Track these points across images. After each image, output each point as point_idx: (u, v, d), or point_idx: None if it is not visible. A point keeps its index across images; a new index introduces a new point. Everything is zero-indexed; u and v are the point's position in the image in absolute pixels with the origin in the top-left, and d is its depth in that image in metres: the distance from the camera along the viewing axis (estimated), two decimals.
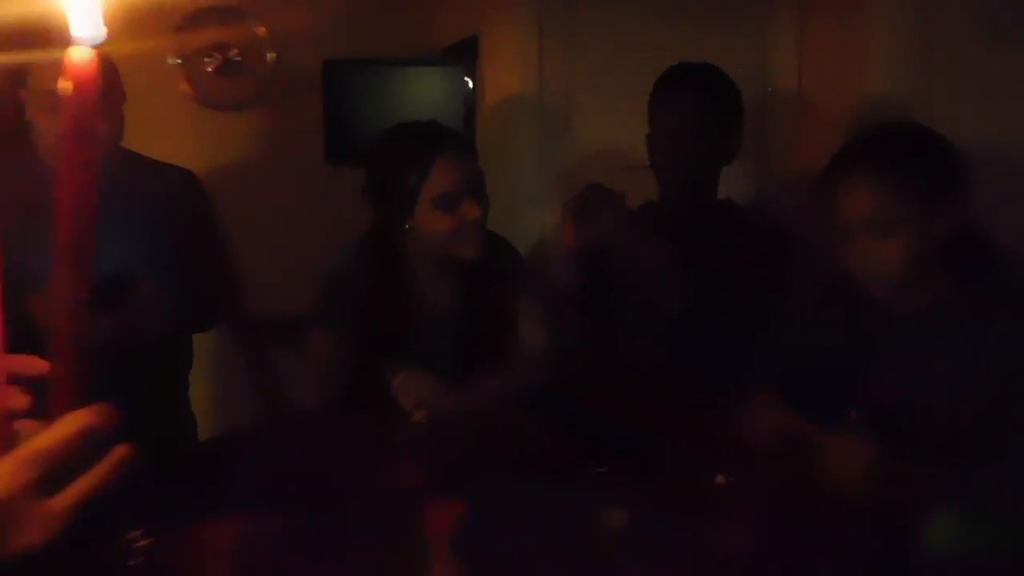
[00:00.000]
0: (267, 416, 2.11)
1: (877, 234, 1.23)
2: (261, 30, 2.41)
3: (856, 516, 1.12)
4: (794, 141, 2.03)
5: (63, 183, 0.43)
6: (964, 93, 1.59)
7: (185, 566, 0.98)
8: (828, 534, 1.10)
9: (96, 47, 0.44)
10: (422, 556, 0.97)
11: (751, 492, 1.19)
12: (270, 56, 2.43)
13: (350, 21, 2.39)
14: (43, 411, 0.53)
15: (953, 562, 1.03)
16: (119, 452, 0.45)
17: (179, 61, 2.40)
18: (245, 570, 1.08)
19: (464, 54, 2.51)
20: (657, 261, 1.66)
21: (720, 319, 1.58)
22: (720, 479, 1.24)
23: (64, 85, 0.44)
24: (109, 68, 1.70)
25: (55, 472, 0.42)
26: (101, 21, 0.43)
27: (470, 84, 2.47)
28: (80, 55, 0.43)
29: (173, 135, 2.25)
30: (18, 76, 1.69)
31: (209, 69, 2.41)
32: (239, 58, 2.42)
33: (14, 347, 1.27)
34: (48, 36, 1.50)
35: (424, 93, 2.40)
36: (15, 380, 0.52)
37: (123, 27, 1.58)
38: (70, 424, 0.43)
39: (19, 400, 0.51)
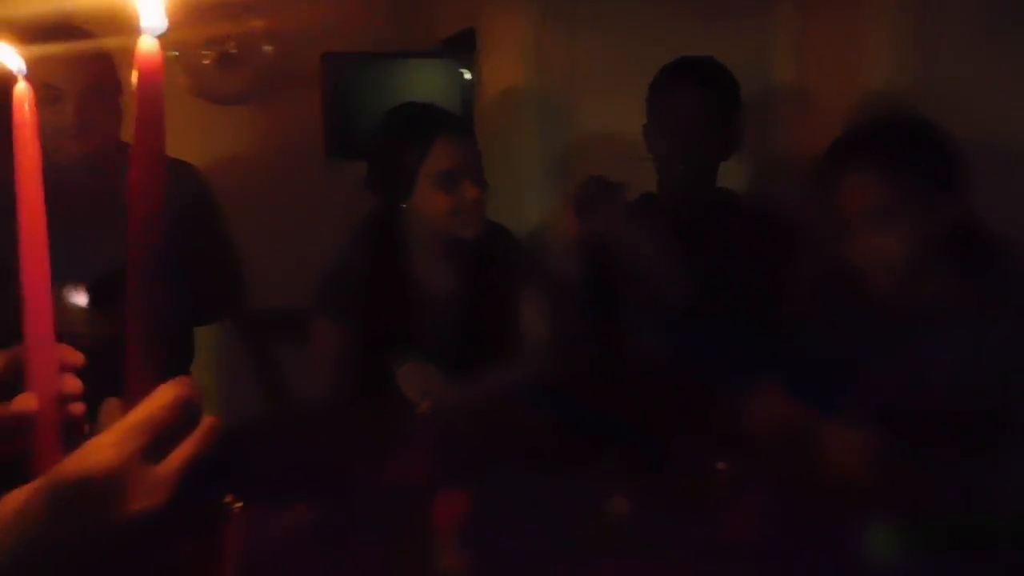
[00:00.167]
0: (270, 409, 2.11)
1: (877, 226, 1.24)
2: (259, 23, 2.40)
3: (858, 505, 1.13)
4: (794, 134, 2.04)
5: (134, 169, 0.45)
6: (962, 86, 1.59)
7: (192, 558, 0.99)
8: (830, 522, 1.12)
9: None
10: (428, 546, 0.98)
11: (753, 480, 1.20)
12: (268, 49, 2.43)
13: (348, 14, 2.39)
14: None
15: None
16: (209, 421, 0.46)
17: (176, 54, 2.39)
18: (251, 562, 1.09)
19: (463, 46, 2.51)
20: (659, 253, 1.67)
21: (723, 310, 1.59)
22: (721, 465, 1.25)
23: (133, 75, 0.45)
24: (106, 61, 1.70)
25: (159, 440, 0.44)
26: (165, 13, 0.45)
27: (468, 76, 2.47)
28: (147, 45, 0.45)
29: (171, 128, 2.23)
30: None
31: (207, 62, 2.40)
32: (236, 51, 2.42)
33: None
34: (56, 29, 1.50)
35: (423, 85, 2.40)
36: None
37: (120, 19, 1.58)
38: (165, 395, 0.45)
39: (72, 384, 0.54)
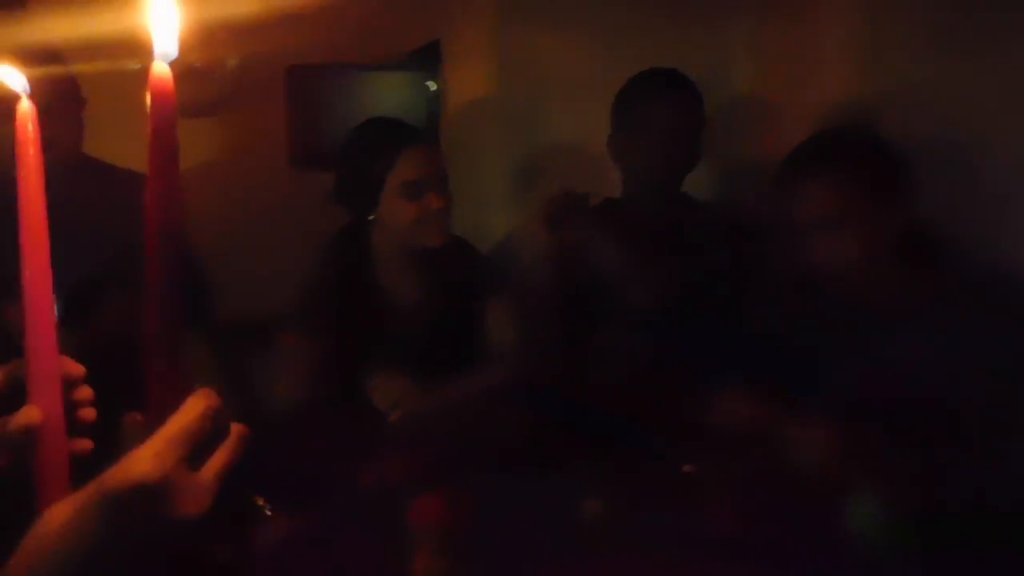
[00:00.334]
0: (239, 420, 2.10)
1: (831, 231, 1.29)
2: (222, 35, 2.40)
3: (828, 499, 1.17)
4: (753, 143, 2.09)
5: (150, 190, 0.47)
6: (915, 93, 1.65)
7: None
8: (803, 517, 1.15)
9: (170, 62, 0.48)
10: (407, 549, 0.99)
11: (727, 478, 1.24)
12: (232, 62, 2.42)
13: (313, 26, 2.39)
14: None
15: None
16: (238, 429, 0.48)
17: (140, 66, 2.38)
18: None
19: (427, 58, 2.53)
20: (631, 262, 1.70)
21: (691, 314, 1.63)
22: (687, 468, 1.29)
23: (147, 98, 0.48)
24: (68, 75, 1.70)
25: (197, 448, 0.45)
26: (177, 40, 0.47)
27: (434, 87, 2.49)
28: (160, 70, 0.47)
29: (136, 141, 2.22)
30: None
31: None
32: (201, 64, 2.40)
33: None
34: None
35: (389, 97, 2.42)
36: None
37: (84, 32, 1.57)
38: (196, 406, 0.46)
39: (84, 392, 0.56)
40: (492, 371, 1.72)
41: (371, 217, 1.69)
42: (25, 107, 0.55)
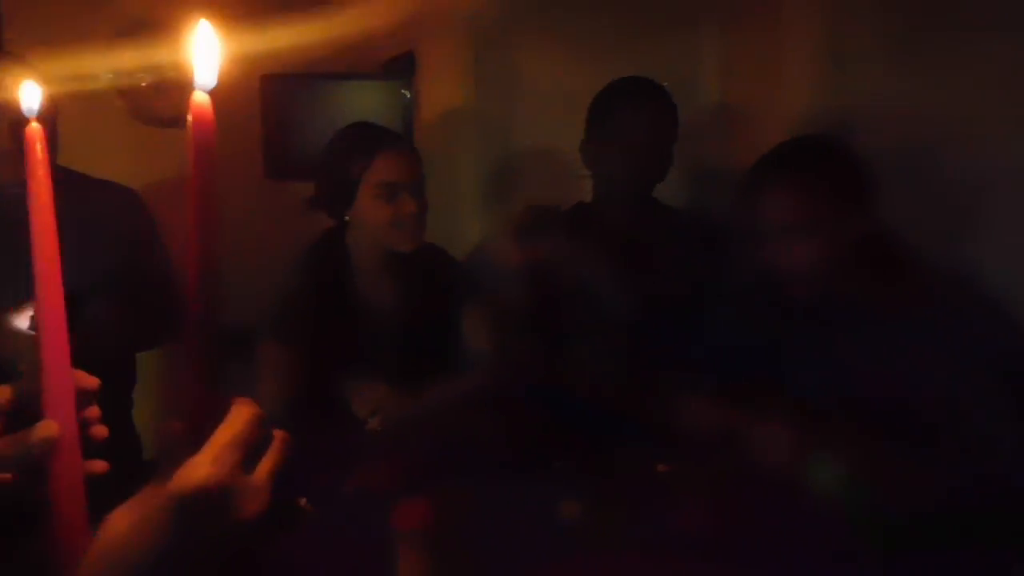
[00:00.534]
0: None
1: (792, 236, 1.34)
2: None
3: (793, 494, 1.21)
4: (720, 151, 2.14)
5: (191, 211, 0.49)
6: (875, 102, 1.71)
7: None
8: (774, 515, 1.19)
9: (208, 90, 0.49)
10: (391, 552, 1.01)
11: (699, 479, 1.27)
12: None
13: (287, 36, 2.40)
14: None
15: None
16: (282, 434, 0.51)
17: (112, 76, 2.37)
18: None
19: (401, 68, 2.55)
20: (600, 270, 1.74)
21: (664, 318, 1.66)
22: (662, 467, 1.32)
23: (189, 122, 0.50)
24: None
25: (249, 453, 0.48)
26: (217, 71, 0.49)
27: (408, 96, 2.51)
28: (201, 98, 0.49)
29: (110, 152, 2.22)
30: None
31: (144, 85, 2.39)
32: (174, 74, 2.41)
33: None
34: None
35: (363, 106, 2.43)
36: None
37: (57, 41, 1.58)
38: (243, 414, 0.49)
39: (92, 411, 0.57)
40: (469, 377, 1.74)
41: (347, 217, 1.71)
42: (34, 128, 0.56)
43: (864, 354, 1.35)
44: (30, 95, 0.57)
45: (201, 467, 0.46)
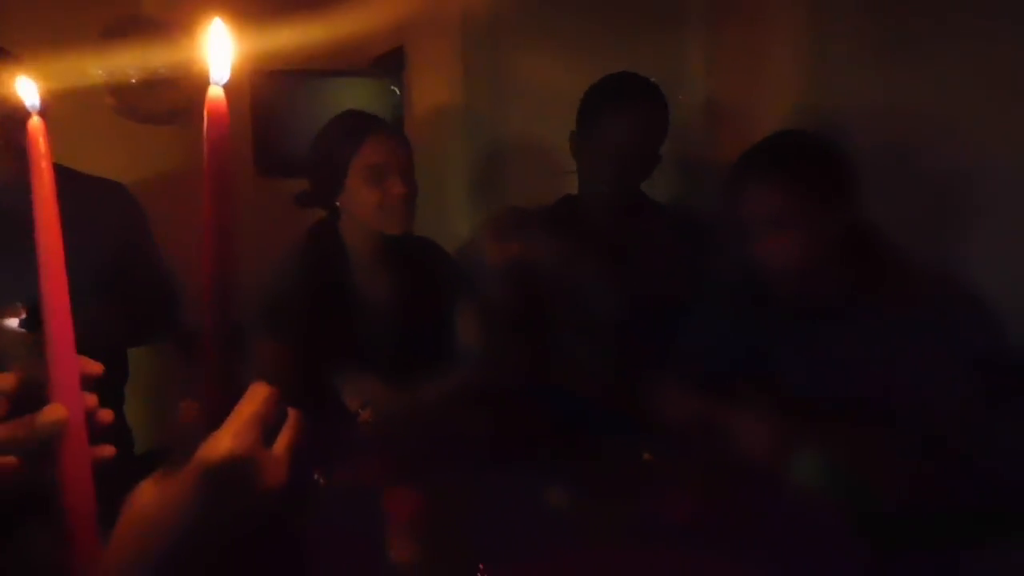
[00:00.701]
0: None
1: (774, 230, 1.36)
2: (187, 41, 2.41)
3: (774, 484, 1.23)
4: (706, 146, 2.16)
5: (206, 210, 0.50)
6: (859, 98, 1.74)
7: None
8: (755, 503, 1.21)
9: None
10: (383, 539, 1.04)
11: (682, 468, 1.30)
12: (196, 69, 2.44)
13: (274, 31, 2.41)
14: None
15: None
16: (296, 413, 0.54)
17: (102, 73, 2.38)
18: None
19: (391, 64, 2.56)
20: (581, 267, 1.76)
21: (648, 312, 1.68)
22: (647, 456, 1.35)
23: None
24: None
25: (267, 429, 0.51)
26: (230, 67, 0.51)
27: (398, 92, 2.53)
28: (215, 94, 0.51)
29: (101, 148, 2.23)
30: None
31: (134, 81, 2.40)
32: (165, 71, 2.42)
33: None
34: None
35: (353, 103, 2.42)
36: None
37: (47, 38, 1.59)
38: (260, 394, 0.51)
39: (90, 398, 0.59)
40: (458, 372, 1.76)
41: (338, 203, 1.73)
42: (36, 123, 0.57)
43: (847, 349, 1.37)
44: (29, 92, 0.58)
45: (225, 440, 0.49)
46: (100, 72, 2.37)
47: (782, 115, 1.89)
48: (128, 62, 2.38)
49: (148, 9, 2.39)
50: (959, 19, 1.52)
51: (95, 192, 1.83)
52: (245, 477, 0.49)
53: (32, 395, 0.58)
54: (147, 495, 0.49)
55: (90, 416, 0.59)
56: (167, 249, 1.99)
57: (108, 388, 0.62)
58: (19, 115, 1.71)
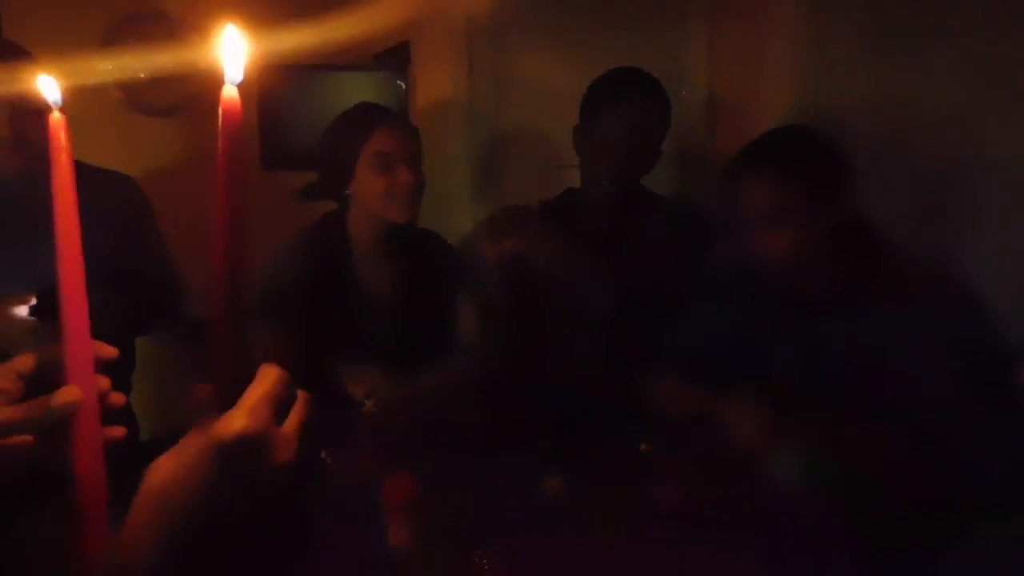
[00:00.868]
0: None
1: (771, 226, 1.38)
2: (193, 35, 2.43)
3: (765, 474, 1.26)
4: (706, 140, 2.18)
5: (219, 203, 0.52)
6: (856, 96, 1.75)
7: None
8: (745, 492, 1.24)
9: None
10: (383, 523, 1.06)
11: (676, 457, 1.32)
12: (201, 64, 2.45)
13: (282, 27, 2.43)
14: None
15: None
16: (304, 394, 0.56)
17: (110, 67, 2.40)
18: None
19: (396, 59, 2.58)
20: (577, 263, 1.77)
21: (645, 305, 1.70)
22: (644, 447, 1.37)
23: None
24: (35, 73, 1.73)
25: (278, 409, 0.53)
26: (243, 67, 0.53)
27: (403, 86, 2.54)
28: (229, 93, 0.52)
29: (107, 140, 2.25)
30: None
31: (142, 76, 2.42)
32: (171, 64, 2.43)
33: None
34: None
35: (358, 97, 2.44)
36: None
37: (54, 31, 1.62)
38: (270, 375, 0.54)
39: (103, 381, 0.62)
40: (458, 362, 1.79)
41: (347, 192, 1.76)
42: (57, 118, 0.60)
43: (841, 343, 1.39)
44: (51, 89, 0.61)
45: (239, 418, 0.51)
46: (109, 67, 2.39)
47: (782, 111, 1.90)
48: (136, 56, 2.40)
49: (157, 5, 2.41)
50: (957, 16, 1.53)
51: (103, 184, 1.85)
52: (257, 454, 0.51)
53: (47, 377, 0.61)
54: (163, 470, 0.51)
55: (102, 398, 0.61)
56: (172, 240, 2.02)
57: (117, 376, 0.65)
58: (28, 109, 1.74)
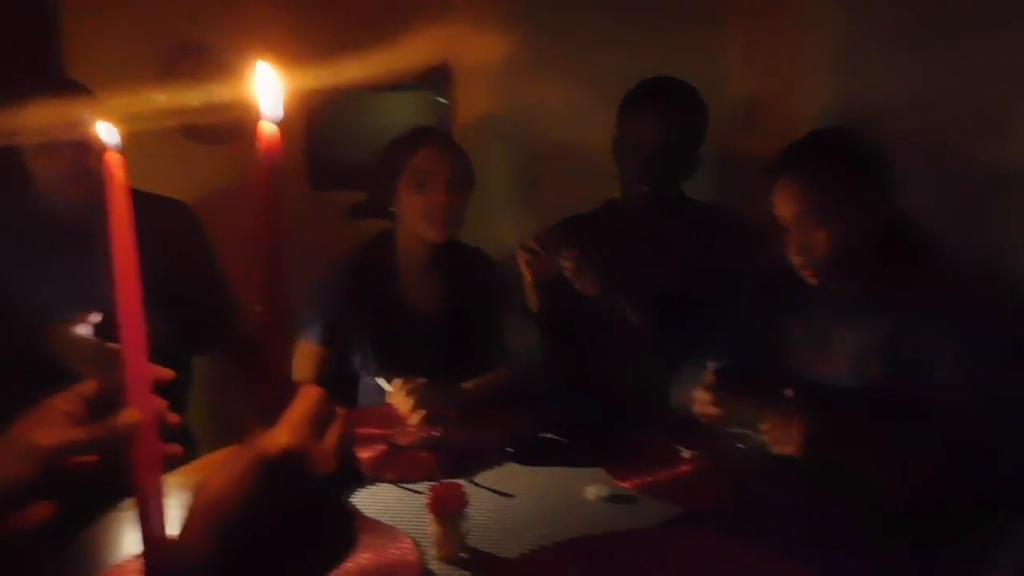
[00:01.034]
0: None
1: (807, 226, 1.38)
2: (242, 63, 2.51)
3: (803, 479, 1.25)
4: (747, 145, 2.17)
5: (258, 233, 0.56)
6: (894, 96, 1.73)
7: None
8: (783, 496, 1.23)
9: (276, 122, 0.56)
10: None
11: (714, 462, 1.32)
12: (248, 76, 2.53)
13: (329, 51, 2.49)
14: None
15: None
16: (343, 411, 0.60)
17: (163, 96, 2.50)
18: None
19: (438, 77, 2.62)
20: (626, 267, 1.78)
21: (685, 311, 1.71)
22: (685, 453, 1.37)
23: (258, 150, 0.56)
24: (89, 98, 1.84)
25: (319, 425, 0.57)
26: (282, 103, 0.55)
27: (445, 103, 2.58)
28: (268, 128, 0.55)
29: (163, 168, 2.34)
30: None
31: (194, 104, 2.50)
32: (222, 92, 2.52)
33: (31, 370, 1.37)
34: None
35: (402, 116, 2.50)
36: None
37: (113, 65, 1.71)
38: (313, 394, 0.58)
39: (160, 402, 0.67)
40: (502, 374, 1.82)
41: (392, 209, 1.82)
42: (114, 157, 0.65)
43: (883, 342, 1.38)
44: (108, 132, 0.65)
45: (283, 435, 0.55)
46: (162, 96, 2.49)
47: (820, 112, 1.89)
48: (189, 86, 2.49)
49: (209, 36, 2.50)
50: (995, 10, 1.51)
51: (157, 210, 1.92)
52: (299, 467, 0.55)
53: (109, 400, 0.65)
54: (213, 483, 0.55)
55: (160, 418, 0.66)
56: (226, 262, 2.09)
57: (174, 396, 0.69)
58: (89, 142, 1.83)
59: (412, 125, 1.97)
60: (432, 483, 1.21)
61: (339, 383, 1.82)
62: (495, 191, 2.42)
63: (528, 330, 1.83)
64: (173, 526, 0.61)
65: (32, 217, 1.88)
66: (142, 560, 0.66)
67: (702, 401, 1.40)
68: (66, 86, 1.87)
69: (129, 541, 1.09)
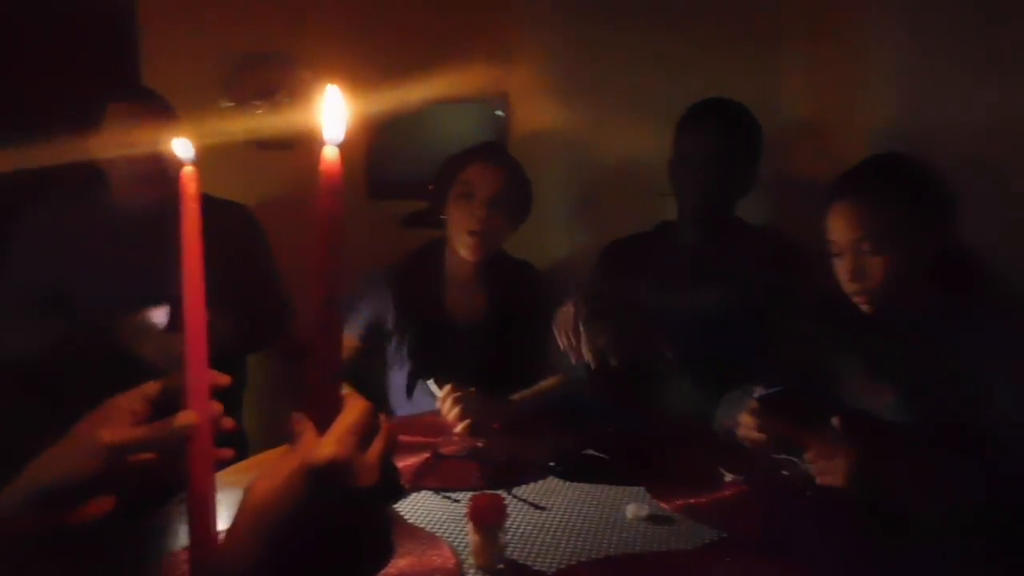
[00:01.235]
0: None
1: (862, 253, 1.36)
2: (307, 73, 2.59)
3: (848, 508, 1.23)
4: (804, 167, 2.14)
5: (317, 251, 0.58)
6: (954, 120, 1.70)
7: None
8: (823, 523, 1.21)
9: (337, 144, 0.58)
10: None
11: (757, 487, 1.30)
12: (316, 98, 2.60)
13: (389, 65, 2.55)
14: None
15: None
16: (388, 424, 0.61)
17: (232, 104, 2.59)
18: None
19: (495, 92, 2.65)
20: (677, 289, 1.78)
21: (732, 335, 1.69)
22: (728, 477, 1.37)
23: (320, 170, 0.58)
24: (172, 119, 1.92)
25: (364, 438, 0.59)
26: (344, 127, 0.57)
27: (502, 115, 2.61)
28: (331, 152, 0.57)
29: (225, 172, 2.41)
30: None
31: (259, 112, 2.59)
32: (287, 99, 2.60)
33: (104, 363, 1.44)
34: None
35: (459, 128, 2.54)
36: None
37: (182, 75, 1.79)
38: (359, 406, 0.60)
39: (216, 406, 0.70)
40: (548, 387, 1.83)
41: (443, 216, 1.86)
42: (189, 171, 0.68)
43: (938, 371, 1.35)
44: (184, 148, 0.68)
45: (328, 446, 0.56)
46: (230, 104, 2.58)
47: (880, 136, 1.86)
48: (254, 94, 2.58)
49: (275, 46, 2.58)
50: None
51: (220, 213, 1.99)
52: (343, 478, 0.56)
53: (170, 401, 0.69)
54: (260, 489, 0.57)
55: (215, 422, 0.69)
56: (288, 266, 2.15)
57: (229, 396, 0.72)
58: (165, 151, 1.90)
59: (473, 138, 2.01)
60: (473, 493, 1.23)
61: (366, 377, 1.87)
62: (547, 205, 2.44)
63: (571, 349, 1.83)
64: (223, 522, 0.64)
65: (107, 216, 1.97)
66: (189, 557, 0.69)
67: (746, 425, 1.39)
68: (144, 96, 1.96)
69: (184, 532, 1.14)
